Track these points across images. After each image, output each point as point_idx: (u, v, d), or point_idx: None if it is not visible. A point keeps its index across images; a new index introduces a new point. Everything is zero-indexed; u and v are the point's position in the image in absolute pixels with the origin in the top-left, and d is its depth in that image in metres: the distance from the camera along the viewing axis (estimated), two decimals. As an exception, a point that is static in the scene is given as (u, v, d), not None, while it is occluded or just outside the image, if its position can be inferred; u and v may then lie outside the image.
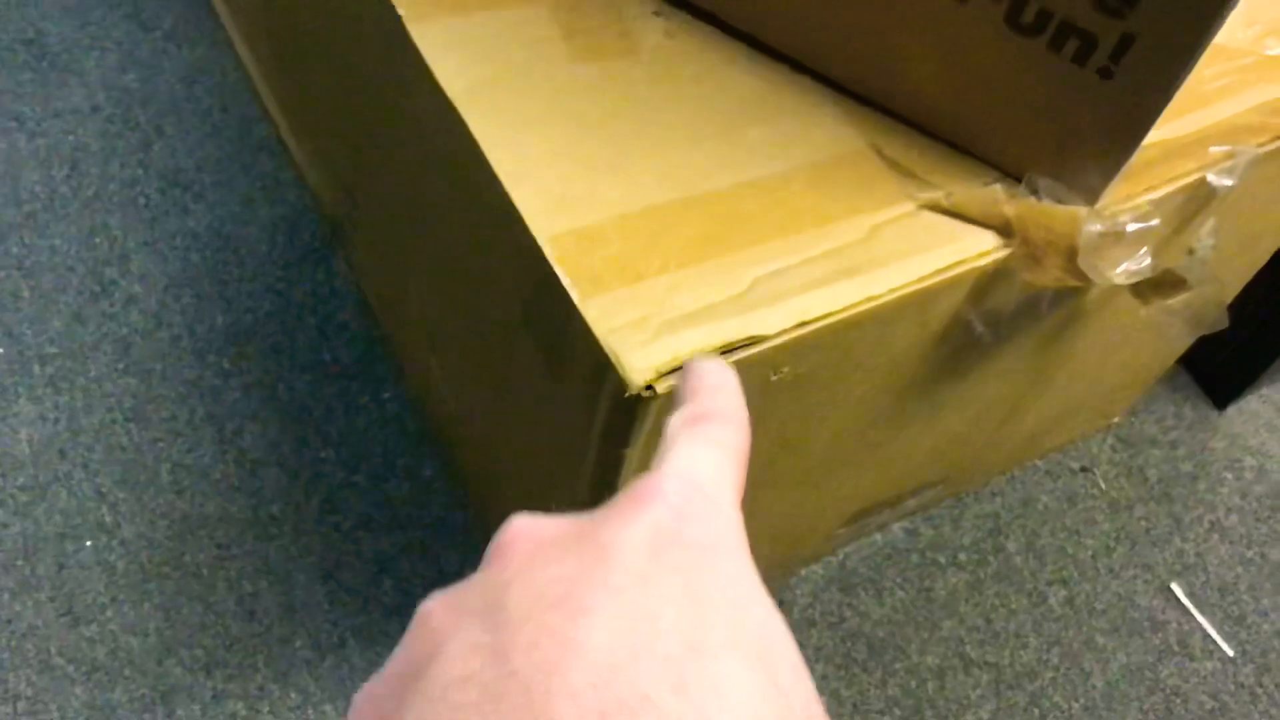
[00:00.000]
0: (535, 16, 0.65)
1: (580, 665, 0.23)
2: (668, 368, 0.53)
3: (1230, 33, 0.71)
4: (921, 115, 0.63)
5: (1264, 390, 1.21)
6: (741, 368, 0.55)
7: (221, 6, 1.23)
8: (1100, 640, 1.05)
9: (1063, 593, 1.07)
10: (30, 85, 1.19)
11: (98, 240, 1.11)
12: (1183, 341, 1.02)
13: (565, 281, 0.55)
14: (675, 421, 0.32)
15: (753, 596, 0.27)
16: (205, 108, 1.21)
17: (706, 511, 0.28)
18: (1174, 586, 1.09)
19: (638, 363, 0.53)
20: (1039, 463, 1.13)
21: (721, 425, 0.32)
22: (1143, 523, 1.12)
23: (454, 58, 0.63)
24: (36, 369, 1.03)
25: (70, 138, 1.17)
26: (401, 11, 0.64)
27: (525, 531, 0.28)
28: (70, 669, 0.91)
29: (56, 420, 1.01)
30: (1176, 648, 1.06)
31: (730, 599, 0.26)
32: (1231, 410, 1.20)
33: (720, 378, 0.34)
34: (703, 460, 0.30)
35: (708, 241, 0.58)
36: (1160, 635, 1.06)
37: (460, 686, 0.24)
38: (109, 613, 0.93)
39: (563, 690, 0.22)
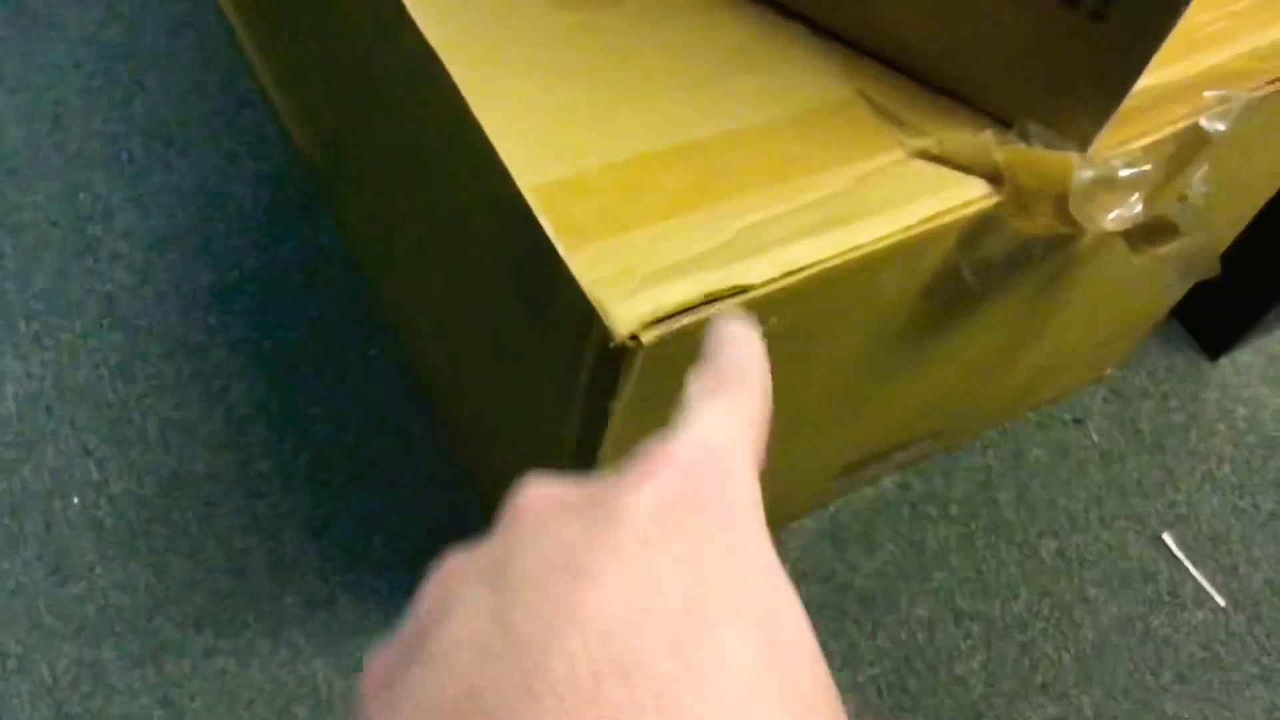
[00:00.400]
0: (518, -37, 0.64)
1: (578, 627, 0.23)
2: (652, 318, 0.52)
3: (1224, -24, 0.71)
4: (911, 61, 0.62)
5: (1256, 341, 1.20)
6: (728, 318, 0.55)
7: (203, -42, 1.22)
8: (1091, 591, 1.05)
9: (1054, 544, 1.07)
10: (10, 41, 1.18)
11: (81, 196, 1.10)
12: (1175, 290, 1.01)
13: (550, 232, 0.54)
14: (694, 382, 0.32)
15: (760, 563, 0.27)
16: (188, 62, 1.19)
17: (719, 479, 0.28)
18: (1166, 537, 1.09)
19: (623, 313, 0.52)
20: (1030, 415, 1.13)
21: (741, 388, 0.31)
22: (1134, 474, 1.12)
23: (436, 6, 0.62)
24: (21, 325, 1.02)
25: (52, 93, 1.15)
26: (381, -42, 0.63)
27: (537, 495, 0.28)
28: (59, 626, 0.91)
29: (42, 377, 1.00)
30: (1168, 598, 1.06)
31: (736, 565, 0.26)
32: (1224, 361, 1.20)
33: (743, 337, 0.34)
34: (720, 426, 0.30)
35: (694, 191, 0.57)
36: (1152, 586, 1.06)
37: (462, 648, 0.24)
38: (97, 570, 0.93)
39: (558, 650, 0.23)
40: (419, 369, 1.02)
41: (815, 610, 0.97)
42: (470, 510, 0.98)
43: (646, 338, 0.52)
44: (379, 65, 0.74)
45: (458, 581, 0.26)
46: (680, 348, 0.54)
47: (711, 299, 0.54)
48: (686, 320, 0.53)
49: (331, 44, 0.85)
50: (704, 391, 0.31)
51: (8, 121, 1.13)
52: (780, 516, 1.01)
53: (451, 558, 0.28)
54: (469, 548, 0.28)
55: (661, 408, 0.59)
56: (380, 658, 0.27)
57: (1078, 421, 1.14)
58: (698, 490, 0.27)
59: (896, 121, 0.61)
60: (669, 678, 0.23)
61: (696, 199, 0.57)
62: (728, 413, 0.30)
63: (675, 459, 0.28)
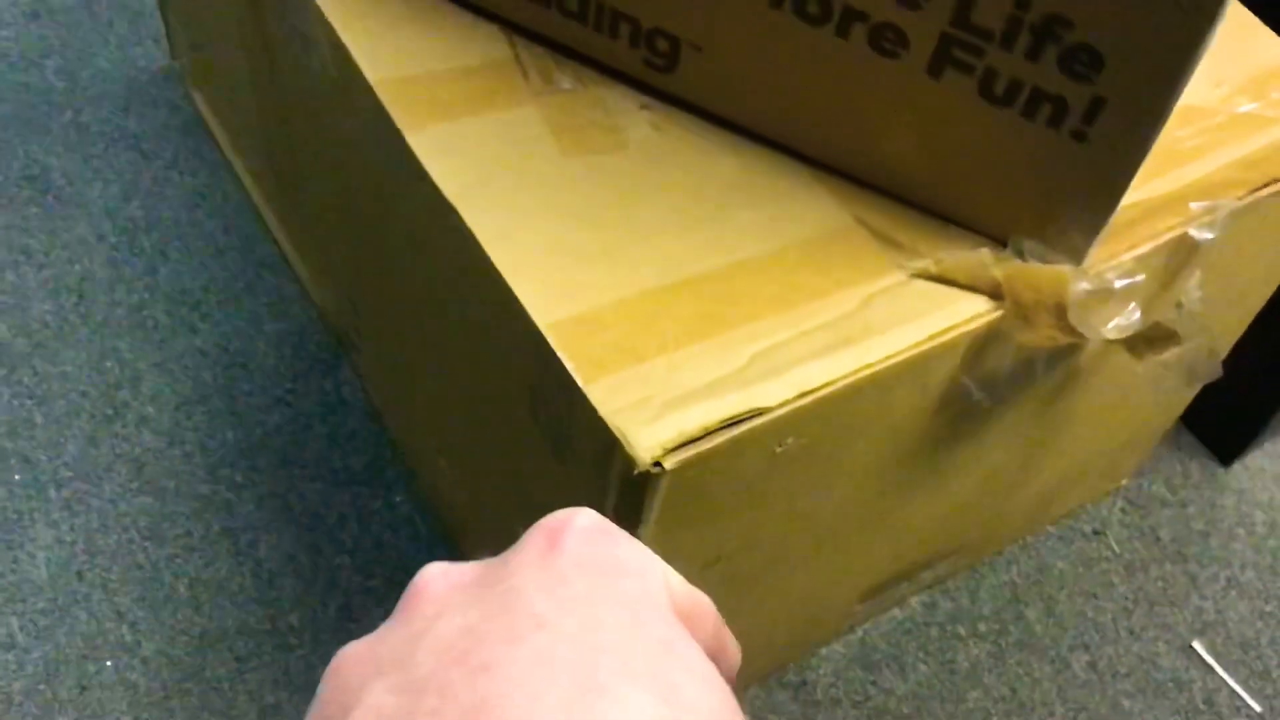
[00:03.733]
0: (524, 117, 0.68)
1: None
2: (675, 444, 0.54)
3: (1200, 94, 0.74)
4: (905, 188, 0.65)
5: (1267, 445, 1.21)
6: (746, 442, 0.57)
7: (221, 133, 1.27)
8: (1126, 704, 1.04)
9: (1085, 658, 1.06)
10: (36, 219, 1.22)
11: (108, 364, 1.12)
12: (1181, 395, 1.03)
13: (569, 366, 0.57)
14: None
15: (651, 615, 0.28)
16: (209, 231, 1.23)
17: (613, 543, 0.30)
18: (1196, 645, 1.09)
19: (644, 440, 0.54)
20: (1051, 528, 1.14)
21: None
22: (1159, 583, 1.12)
23: (449, 160, 0.65)
24: (52, 493, 1.04)
25: (77, 267, 1.19)
26: (398, 121, 0.66)
27: (436, 579, 0.29)
28: (95, 792, 0.91)
29: (73, 543, 1.02)
30: (1203, 707, 1.05)
31: (625, 622, 0.27)
32: (1237, 467, 1.21)
33: None
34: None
35: (705, 320, 0.59)
36: (1186, 695, 1.06)
37: None
38: (132, 733, 0.93)
39: None
40: (443, 512, 1.03)
41: (850, 736, 0.97)
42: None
43: (670, 463, 0.54)
44: (394, 221, 0.77)
45: (358, 674, 0.27)
46: (703, 472, 0.56)
47: (730, 423, 0.55)
48: (708, 445, 0.55)
49: (347, 205, 0.88)
50: None
51: (35, 296, 1.16)
52: (808, 642, 1.01)
53: (349, 650, 0.28)
54: (367, 638, 0.28)
55: (687, 532, 0.61)
56: None
57: (1098, 533, 1.14)
58: (595, 552, 0.29)
59: (895, 245, 0.63)
60: None
61: (708, 328, 0.59)
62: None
63: (573, 524, 0.29)
